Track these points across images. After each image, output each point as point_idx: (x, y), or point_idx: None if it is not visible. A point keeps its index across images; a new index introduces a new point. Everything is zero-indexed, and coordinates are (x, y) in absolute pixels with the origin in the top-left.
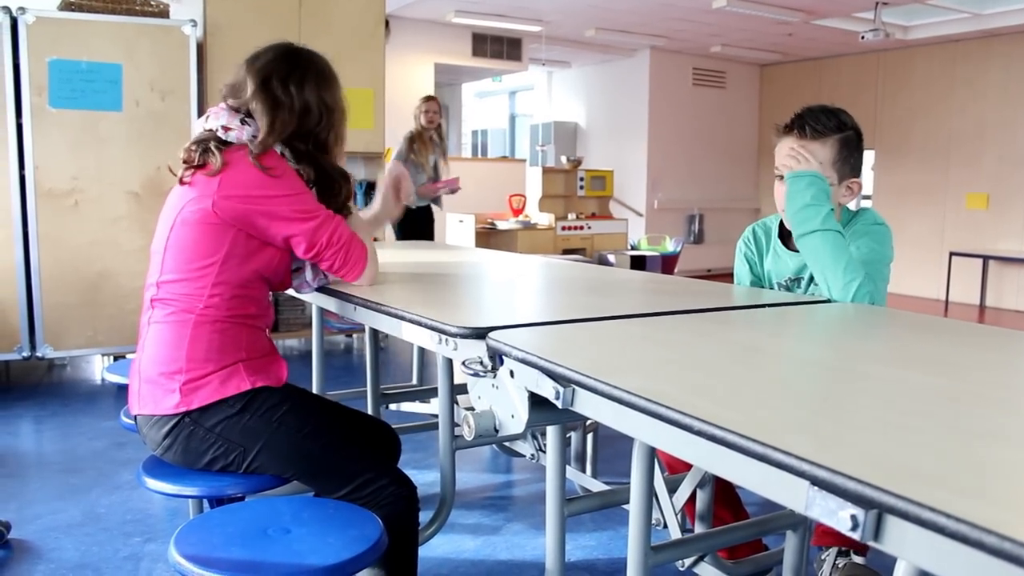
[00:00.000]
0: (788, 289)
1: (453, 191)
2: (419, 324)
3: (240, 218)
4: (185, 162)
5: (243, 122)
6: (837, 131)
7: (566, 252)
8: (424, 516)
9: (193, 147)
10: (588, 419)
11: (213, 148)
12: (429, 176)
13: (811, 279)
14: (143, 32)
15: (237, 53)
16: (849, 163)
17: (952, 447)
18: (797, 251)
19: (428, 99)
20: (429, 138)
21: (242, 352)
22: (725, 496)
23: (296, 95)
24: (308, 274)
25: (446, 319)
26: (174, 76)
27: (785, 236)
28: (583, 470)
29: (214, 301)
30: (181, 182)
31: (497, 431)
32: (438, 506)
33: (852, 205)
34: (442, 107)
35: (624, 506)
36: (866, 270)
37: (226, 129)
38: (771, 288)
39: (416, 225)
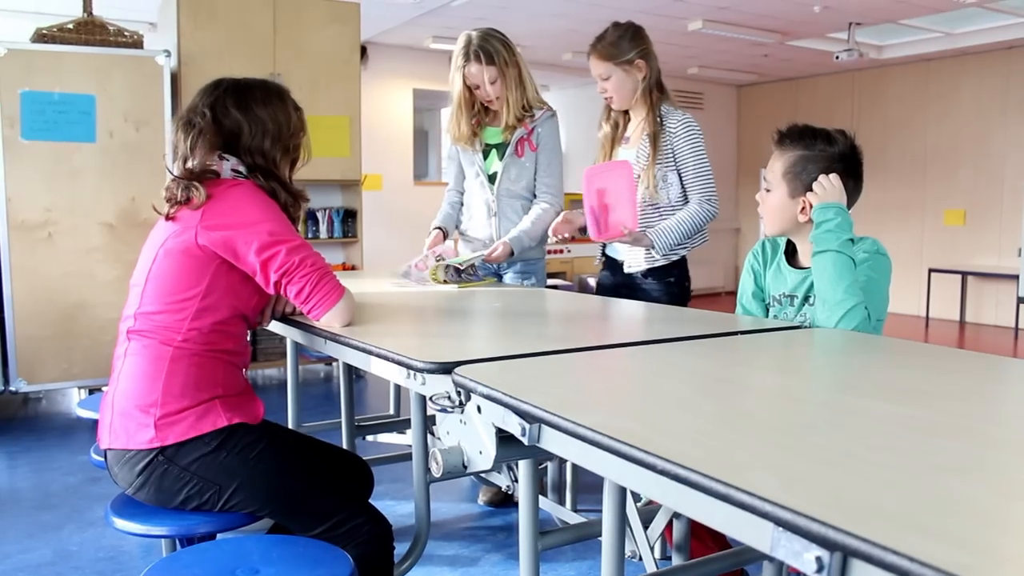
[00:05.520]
0: (779, 304)
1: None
2: (386, 359)
3: (222, 245)
4: (168, 200)
5: (221, 157)
6: (800, 148)
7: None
8: (402, 548)
9: (173, 184)
10: None
11: (195, 183)
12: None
13: (804, 299)
14: (116, 63)
15: None
16: (801, 179)
17: (917, 483)
18: (799, 269)
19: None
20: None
21: (218, 388)
22: None
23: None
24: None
25: (414, 354)
26: (148, 107)
27: (790, 253)
28: (560, 501)
29: (192, 335)
30: (167, 218)
31: (466, 467)
32: (413, 541)
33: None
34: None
35: (600, 538)
36: (863, 299)
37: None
38: (766, 302)
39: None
